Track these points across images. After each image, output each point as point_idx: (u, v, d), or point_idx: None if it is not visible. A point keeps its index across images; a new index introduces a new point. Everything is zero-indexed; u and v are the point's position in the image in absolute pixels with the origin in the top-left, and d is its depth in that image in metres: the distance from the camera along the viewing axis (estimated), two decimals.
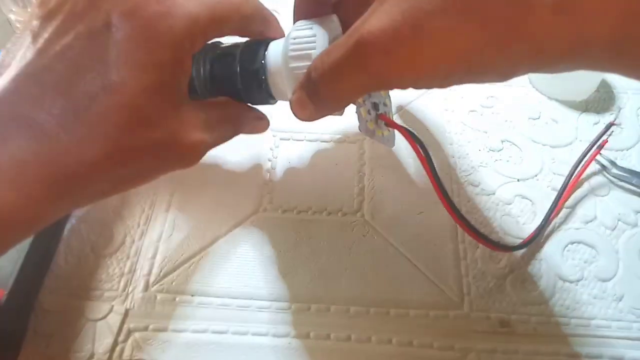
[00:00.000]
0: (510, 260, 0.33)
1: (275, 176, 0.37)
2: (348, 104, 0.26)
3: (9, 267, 0.29)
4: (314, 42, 0.25)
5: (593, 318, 0.31)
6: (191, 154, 0.25)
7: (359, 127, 0.27)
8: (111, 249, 0.33)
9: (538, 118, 0.40)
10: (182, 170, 0.25)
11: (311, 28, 0.25)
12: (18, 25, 0.37)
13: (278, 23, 0.29)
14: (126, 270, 0.32)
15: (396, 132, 0.28)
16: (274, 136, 0.39)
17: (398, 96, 0.42)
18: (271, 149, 0.38)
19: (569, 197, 0.35)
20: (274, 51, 0.27)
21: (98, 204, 0.35)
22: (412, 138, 0.27)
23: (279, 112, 0.41)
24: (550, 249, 0.33)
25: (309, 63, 0.24)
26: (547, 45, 0.17)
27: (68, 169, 0.20)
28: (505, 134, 0.39)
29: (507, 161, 0.38)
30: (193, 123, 0.24)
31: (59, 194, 0.20)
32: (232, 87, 0.28)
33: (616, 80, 0.43)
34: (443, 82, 0.20)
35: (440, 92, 0.42)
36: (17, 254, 0.29)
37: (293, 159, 0.38)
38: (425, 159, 0.27)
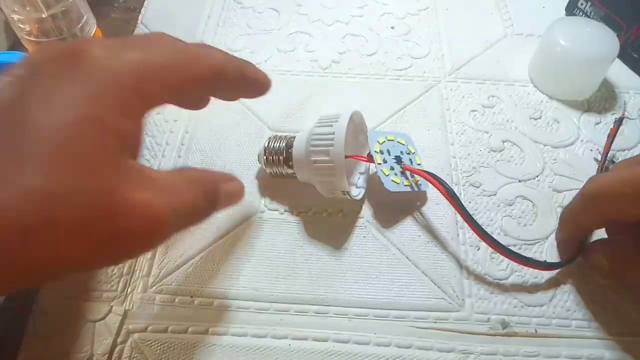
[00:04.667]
0: (511, 262, 0.32)
1: None
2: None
3: None
4: (332, 140, 0.28)
5: (594, 320, 0.30)
6: (141, 220, 0.19)
7: (385, 187, 0.30)
8: None
9: (539, 118, 0.40)
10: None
11: (331, 125, 0.29)
12: (20, 25, 0.37)
13: (259, 73, 0.26)
14: (125, 271, 0.32)
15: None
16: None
17: (398, 96, 0.42)
18: None
19: None
20: (298, 142, 0.32)
21: None
22: (436, 180, 0.30)
23: (278, 112, 0.41)
24: (552, 251, 0.33)
25: (327, 158, 0.29)
26: None
27: None
28: (506, 134, 0.39)
29: (509, 161, 0.38)
30: (139, 179, 0.19)
31: None
32: None
33: (618, 79, 0.42)
34: None
35: (441, 92, 0.42)
36: None
37: None
38: (453, 198, 0.30)
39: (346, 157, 0.29)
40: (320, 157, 0.29)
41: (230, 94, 0.27)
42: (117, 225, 0.18)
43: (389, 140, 0.34)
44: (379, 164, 0.31)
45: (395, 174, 0.32)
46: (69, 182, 0.17)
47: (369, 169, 0.35)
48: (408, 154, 0.35)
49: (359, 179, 0.35)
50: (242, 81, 0.25)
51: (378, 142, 0.33)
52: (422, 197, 0.35)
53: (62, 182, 0.17)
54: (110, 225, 0.18)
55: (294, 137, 0.33)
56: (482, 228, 0.30)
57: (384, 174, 0.31)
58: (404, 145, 0.35)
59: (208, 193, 0.23)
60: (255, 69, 0.26)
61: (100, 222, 0.18)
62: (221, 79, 0.24)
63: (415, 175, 0.33)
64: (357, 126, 0.34)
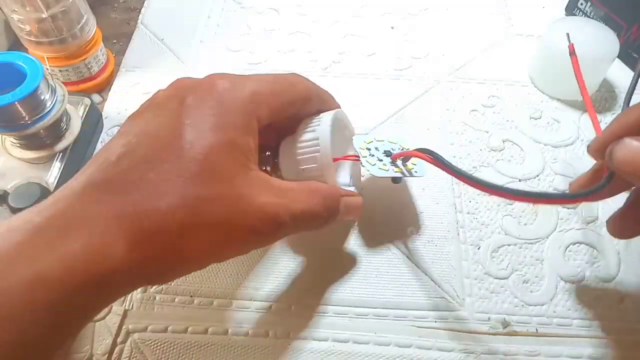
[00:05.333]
0: (511, 261, 0.32)
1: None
2: None
3: None
4: (318, 145, 0.28)
5: (594, 319, 0.30)
6: (263, 220, 0.24)
7: (371, 174, 0.30)
8: None
9: (540, 118, 0.40)
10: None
11: (314, 130, 0.29)
12: (20, 25, 0.37)
13: (333, 99, 0.32)
14: None
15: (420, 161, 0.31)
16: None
17: (398, 96, 0.42)
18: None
19: None
20: (284, 151, 0.31)
21: None
22: (426, 155, 0.28)
23: None
24: (552, 250, 0.33)
25: (315, 165, 0.28)
26: None
27: (145, 221, 0.21)
28: (506, 133, 0.39)
29: (509, 161, 0.37)
30: (263, 186, 0.24)
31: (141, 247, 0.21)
32: None
33: (618, 79, 0.42)
34: None
35: (441, 91, 0.42)
36: None
37: None
38: (447, 167, 0.27)
39: (334, 159, 0.29)
40: (308, 164, 0.29)
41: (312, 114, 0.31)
42: (246, 221, 0.23)
43: (377, 141, 0.33)
44: (364, 157, 0.30)
45: (384, 164, 0.31)
46: (213, 190, 0.22)
47: (360, 167, 0.34)
48: (400, 149, 0.33)
49: (351, 177, 0.34)
50: (322, 103, 0.30)
51: (365, 141, 0.32)
52: (422, 197, 0.35)
53: (208, 190, 0.22)
54: (242, 222, 0.23)
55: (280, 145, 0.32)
56: (491, 183, 0.24)
57: (370, 164, 0.30)
58: (395, 144, 0.33)
59: (328, 203, 0.27)
60: (329, 95, 0.32)
61: (235, 219, 0.23)
62: (307, 102, 0.29)
63: (408, 164, 0.32)
64: (340, 121, 0.32)
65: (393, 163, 0.31)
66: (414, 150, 0.29)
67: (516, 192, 0.24)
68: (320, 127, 0.29)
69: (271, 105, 0.26)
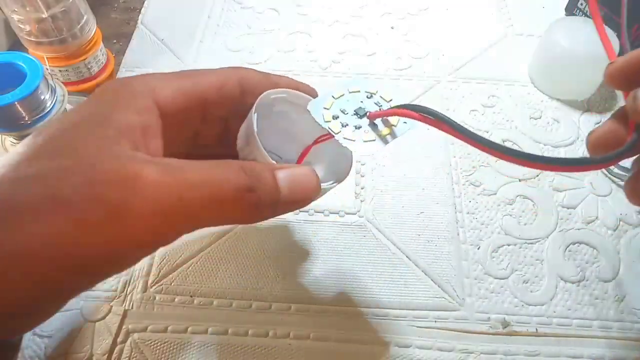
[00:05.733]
0: (511, 261, 0.32)
1: None
2: None
3: None
4: (248, 137, 0.23)
5: (594, 319, 0.30)
6: (121, 191, 0.17)
7: (362, 153, 0.24)
8: None
9: (539, 118, 0.40)
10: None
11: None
12: (20, 25, 0.37)
13: (302, 87, 0.26)
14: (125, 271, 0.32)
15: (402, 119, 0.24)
16: None
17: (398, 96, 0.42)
18: None
19: None
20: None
21: None
22: (412, 110, 0.23)
23: None
24: (552, 250, 0.33)
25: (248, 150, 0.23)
26: None
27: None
28: (506, 133, 0.39)
29: None
30: (134, 159, 0.18)
31: None
32: None
33: None
34: None
35: (441, 91, 0.42)
36: None
37: None
38: (438, 119, 0.22)
39: (304, 151, 0.25)
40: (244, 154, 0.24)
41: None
42: (103, 200, 0.17)
43: (339, 98, 0.25)
44: (337, 132, 0.23)
45: (365, 131, 0.24)
46: (52, 164, 0.17)
47: (344, 155, 0.26)
48: (370, 97, 0.25)
49: (334, 172, 0.26)
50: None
51: (325, 109, 0.24)
52: (421, 197, 0.35)
53: (43, 165, 0.17)
54: (93, 199, 0.17)
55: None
56: (489, 140, 0.20)
57: (350, 140, 0.23)
58: (373, 94, 0.26)
59: (251, 178, 0.20)
60: (295, 83, 0.26)
61: (111, 191, 0.17)
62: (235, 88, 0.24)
63: (391, 118, 0.25)
64: (280, 103, 0.26)
65: (372, 124, 0.24)
66: (396, 107, 0.24)
67: (532, 157, 0.19)
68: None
69: (174, 87, 0.22)
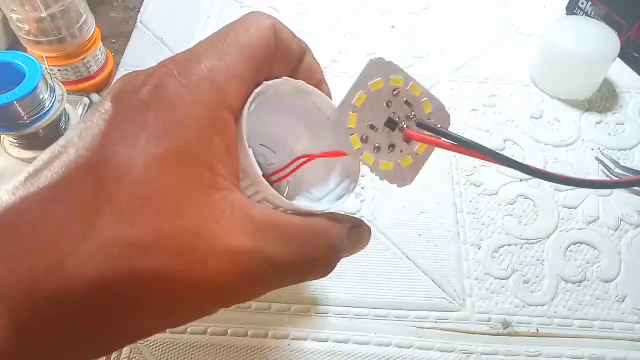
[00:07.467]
0: (512, 261, 0.32)
1: None
2: None
3: None
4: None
5: (596, 319, 0.30)
6: (228, 273, 0.15)
7: (397, 186, 0.20)
8: None
9: (540, 117, 0.40)
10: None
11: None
12: (19, 25, 0.37)
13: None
14: None
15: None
16: None
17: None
18: None
19: None
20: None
21: None
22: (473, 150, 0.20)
23: None
24: (553, 250, 0.33)
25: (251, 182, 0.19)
26: None
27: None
28: (507, 133, 0.39)
29: None
30: (236, 217, 0.16)
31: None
32: None
33: (619, 79, 0.42)
34: None
35: (442, 90, 0.42)
36: None
37: None
38: (461, 144, 0.19)
39: (308, 157, 0.21)
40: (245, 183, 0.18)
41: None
42: (202, 275, 0.15)
43: (361, 106, 0.19)
44: (357, 148, 0.19)
45: (401, 150, 0.20)
46: (149, 230, 0.14)
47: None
48: (397, 94, 0.19)
49: (338, 185, 0.23)
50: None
51: (349, 128, 0.19)
52: (422, 197, 0.35)
53: (141, 231, 0.14)
54: (195, 276, 0.15)
55: None
56: (507, 157, 0.19)
57: (369, 164, 0.19)
58: (392, 87, 0.19)
59: (332, 248, 0.19)
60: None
61: (185, 272, 0.15)
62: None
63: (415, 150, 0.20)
64: (284, 95, 0.21)
65: (408, 142, 0.20)
66: (445, 136, 0.19)
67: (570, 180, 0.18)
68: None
69: (242, 75, 0.18)
